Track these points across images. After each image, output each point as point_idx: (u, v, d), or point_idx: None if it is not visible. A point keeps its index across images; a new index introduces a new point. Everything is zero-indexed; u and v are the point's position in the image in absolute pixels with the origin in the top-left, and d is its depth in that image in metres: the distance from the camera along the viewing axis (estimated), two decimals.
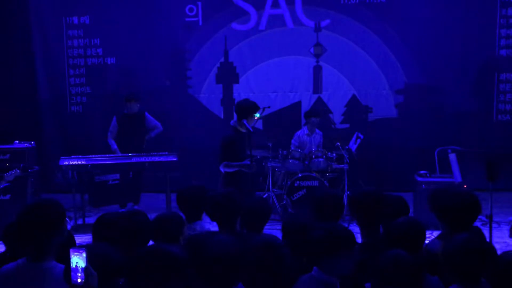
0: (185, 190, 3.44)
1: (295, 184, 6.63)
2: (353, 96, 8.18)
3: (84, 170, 6.48)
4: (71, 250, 2.02)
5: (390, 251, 2.42)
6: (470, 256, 2.26)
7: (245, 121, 5.15)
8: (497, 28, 7.83)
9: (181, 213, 3.31)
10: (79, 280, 2.01)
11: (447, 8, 7.82)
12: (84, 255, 2.00)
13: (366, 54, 8.06)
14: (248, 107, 5.29)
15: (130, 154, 6.74)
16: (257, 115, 5.33)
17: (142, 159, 6.66)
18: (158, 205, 7.06)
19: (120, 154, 6.86)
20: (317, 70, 8.16)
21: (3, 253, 3.01)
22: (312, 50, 8.13)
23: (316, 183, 6.60)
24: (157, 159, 6.66)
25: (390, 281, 2.29)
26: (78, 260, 2.01)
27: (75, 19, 8.37)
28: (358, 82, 8.13)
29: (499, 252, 2.62)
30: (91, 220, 6.75)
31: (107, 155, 6.76)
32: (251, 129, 5.17)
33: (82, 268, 2.01)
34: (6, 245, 3.02)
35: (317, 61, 8.14)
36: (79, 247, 2.03)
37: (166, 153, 6.80)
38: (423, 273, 2.35)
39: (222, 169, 5.19)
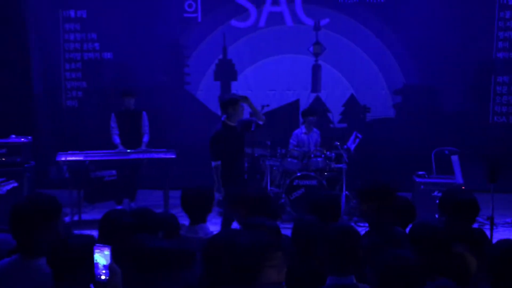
0: (190, 191, 3.28)
1: (294, 183, 6.61)
2: (352, 96, 8.18)
3: (82, 166, 6.40)
4: (94, 248, 2.00)
5: (393, 251, 2.36)
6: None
7: (223, 117, 5.34)
8: (495, 30, 7.88)
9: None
10: (102, 277, 1.99)
11: (446, 9, 7.86)
12: (106, 252, 1.99)
13: (365, 54, 8.07)
14: (225, 101, 5.41)
15: (128, 150, 6.68)
16: (240, 106, 5.34)
17: (140, 156, 6.62)
18: (154, 202, 7.00)
19: (118, 150, 6.79)
20: (316, 69, 8.16)
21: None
22: (311, 48, 8.11)
23: (314, 182, 6.59)
24: (155, 156, 6.62)
25: (388, 282, 2.24)
26: (99, 258, 1.99)
27: (72, 13, 8.27)
28: (356, 81, 8.13)
29: None
30: (87, 216, 6.69)
31: (104, 151, 6.69)
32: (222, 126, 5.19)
33: (104, 266, 1.99)
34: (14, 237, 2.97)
35: (316, 60, 8.13)
36: (102, 245, 2.01)
37: (165, 150, 6.75)
38: (424, 276, 2.30)
39: (212, 165, 5.33)
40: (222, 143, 5.24)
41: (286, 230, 5.74)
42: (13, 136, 6.49)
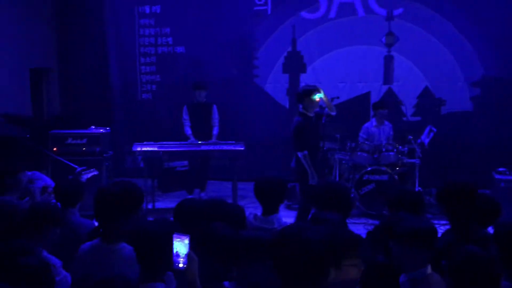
0: (264, 181, 3.30)
1: (364, 178, 6.47)
2: (426, 88, 7.86)
3: (156, 156, 6.65)
4: (174, 236, 2.06)
5: (466, 248, 2.26)
6: None
7: (300, 107, 5.37)
8: None
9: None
10: (180, 265, 2.05)
11: None
12: (186, 241, 2.04)
13: (441, 44, 7.72)
14: (301, 91, 5.46)
15: (199, 142, 6.85)
16: (316, 97, 5.32)
17: (211, 147, 6.76)
18: (223, 192, 7.14)
19: (189, 142, 6.98)
20: (388, 60, 7.91)
21: (96, 228, 3.13)
22: (383, 39, 7.88)
23: (385, 177, 6.42)
24: (225, 147, 6.73)
25: (461, 279, 2.14)
26: (179, 246, 2.05)
27: (147, 9, 8.57)
28: (431, 73, 7.80)
29: None
30: (160, 204, 6.95)
31: (177, 142, 6.89)
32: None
33: (183, 254, 2.04)
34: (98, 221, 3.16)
35: (389, 51, 7.89)
36: (182, 234, 2.06)
37: (233, 142, 6.85)
38: (499, 274, 2.18)
39: (300, 155, 5.29)
40: (305, 133, 5.29)
41: (355, 225, 5.67)
42: (93, 127, 6.85)
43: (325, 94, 5.54)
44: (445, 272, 2.27)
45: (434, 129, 6.75)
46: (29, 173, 4.96)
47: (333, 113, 5.61)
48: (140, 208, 2.62)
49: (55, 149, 6.45)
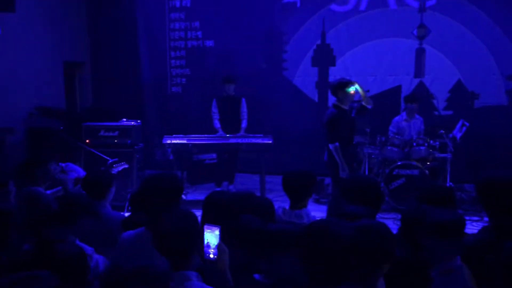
0: (293, 175, 3.27)
1: (394, 173, 6.38)
2: (458, 81, 7.68)
3: (185, 149, 6.72)
4: (205, 227, 2.07)
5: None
6: None
7: (334, 100, 5.35)
8: None
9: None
10: (211, 256, 2.07)
11: None
12: (217, 232, 2.05)
13: (475, 36, 7.50)
14: (336, 84, 5.39)
15: (228, 135, 6.89)
16: (351, 89, 5.26)
17: (239, 140, 6.79)
18: (251, 185, 7.17)
19: (218, 135, 7.03)
20: (420, 53, 7.75)
21: (129, 218, 3.20)
22: (415, 31, 7.71)
23: (416, 172, 6.31)
24: (253, 140, 6.75)
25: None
26: (209, 237, 2.06)
27: (177, 3, 8.64)
28: (464, 66, 7.61)
29: None
30: (189, 197, 7.03)
31: (206, 135, 6.95)
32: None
33: (214, 245, 2.06)
34: (132, 211, 3.24)
35: (420, 44, 7.72)
36: (213, 225, 2.08)
37: (261, 135, 6.86)
38: None
39: (331, 147, 5.26)
40: (339, 126, 5.25)
41: (385, 220, 5.59)
42: (124, 120, 6.97)
43: (361, 86, 5.45)
44: (488, 268, 2.21)
45: (467, 124, 6.59)
46: (63, 164, 5.11)
47: (369, 106, 5.47)
48: (180, 198, 2.69)
49: (87, 141, 6.59)
